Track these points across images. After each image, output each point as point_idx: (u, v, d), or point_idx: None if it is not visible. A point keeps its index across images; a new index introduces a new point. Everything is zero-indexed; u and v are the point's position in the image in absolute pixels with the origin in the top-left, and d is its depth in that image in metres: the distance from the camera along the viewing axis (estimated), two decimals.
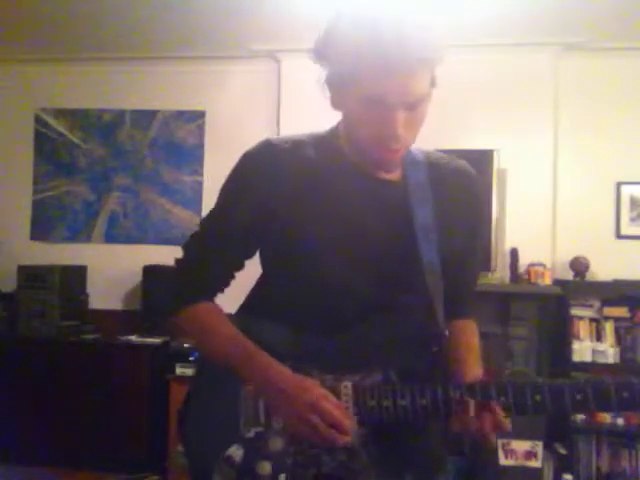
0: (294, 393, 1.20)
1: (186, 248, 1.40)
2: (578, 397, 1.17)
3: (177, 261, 1.40)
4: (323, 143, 1.35)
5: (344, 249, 1.29)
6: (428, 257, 1.30)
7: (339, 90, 1.25)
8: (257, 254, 1.40)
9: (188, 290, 1.37)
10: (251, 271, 1.42)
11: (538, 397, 1.18)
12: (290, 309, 1.33)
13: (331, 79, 1.25)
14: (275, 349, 1.27)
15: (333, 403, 1.19)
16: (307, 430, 1.18)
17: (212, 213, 1.39)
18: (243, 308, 1.43)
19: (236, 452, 1.25)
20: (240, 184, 1.35)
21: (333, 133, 1.37)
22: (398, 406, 1.21)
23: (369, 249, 1.31)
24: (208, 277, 1.37)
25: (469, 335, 1.44)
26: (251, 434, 1.26)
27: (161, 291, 1.42)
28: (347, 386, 1.24)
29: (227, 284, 1.39)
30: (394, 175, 1.34)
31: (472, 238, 1.44)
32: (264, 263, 1.40)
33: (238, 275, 1.40)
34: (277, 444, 1.25)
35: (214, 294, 1.39)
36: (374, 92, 1.17)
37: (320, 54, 1.25)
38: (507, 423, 1.20)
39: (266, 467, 1.23)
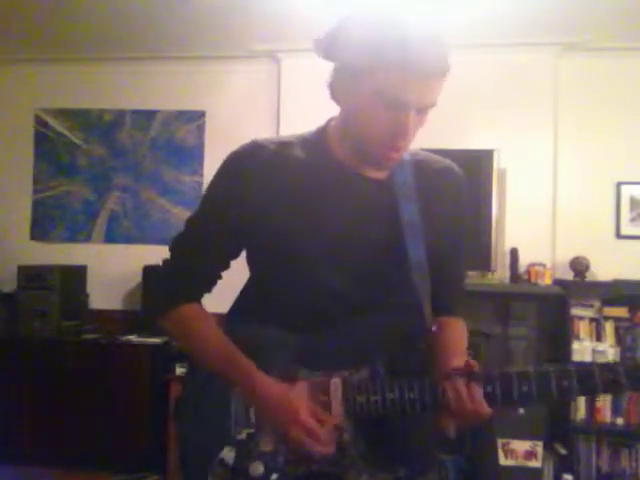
0: (276, 405, 1.22)
1: (171, 249, 1.41)
2: (564, 384, 1.17)
3: (164, 262, 1.41)
4: (310, 142, 1.36)
5: (331, 248, 1.30)
6: (415, 255, 1.30)
7: (350, 83, 1.23)
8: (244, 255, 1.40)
9: (173, 293, 1.37)
10: (243, 271, 1.42)
11: (525, 388, 1.19)
12: (278, 309, 1.33)
13: (343, 72, 1.24)
14: (265, 349, 1.28)
15: (314, 414, 1.21)
16: (289, 442, 1.20)
17: (197, 213, 1.40)
18: (233, 309, 1.43)
19: (228, 454, 1.26)
20: (224, 184, 1.35)
21: (320, 132, 1.37)
22: (387, 400, 1.23)
23: (356, 248, 1.31)
24: (192, 279, 1.37)
25: (457, 333, 1.44)
26: (242, 436, 1.27)
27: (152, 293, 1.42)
28: (336, 382, 1.25)
29: (213, 284, 1.39)
30: (381, 174, 1.34)
31: (458, 236, 1.44)
32: (250, 263, 1.41)
33: (231, 275, 1.40)
34: (268, 444, 1.26)
35: (200, 295, 1.39)
36: (395, 92, 1.17)
37: (332, 46, 1.24)
38: (486, 407, 1.20)
39: (259, 468, 1.24)
